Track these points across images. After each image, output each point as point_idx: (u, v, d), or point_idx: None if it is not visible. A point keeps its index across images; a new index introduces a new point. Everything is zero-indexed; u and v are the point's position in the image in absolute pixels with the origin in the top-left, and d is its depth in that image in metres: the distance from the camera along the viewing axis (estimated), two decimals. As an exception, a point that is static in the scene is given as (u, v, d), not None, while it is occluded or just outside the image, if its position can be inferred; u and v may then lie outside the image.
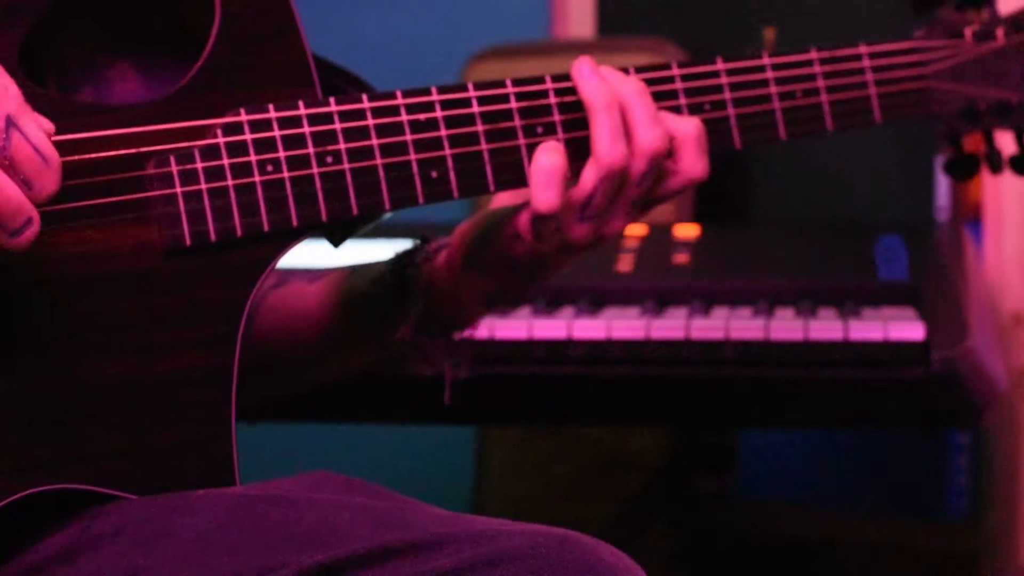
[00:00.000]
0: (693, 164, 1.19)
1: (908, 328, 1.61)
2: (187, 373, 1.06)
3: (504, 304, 1.27)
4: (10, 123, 0.94)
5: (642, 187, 1.17)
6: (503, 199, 1.25)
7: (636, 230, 1.91)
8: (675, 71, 1.23)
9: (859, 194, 2.31)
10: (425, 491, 1.12)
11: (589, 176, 1.16)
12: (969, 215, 2.17)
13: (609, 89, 1.17)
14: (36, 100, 1.00)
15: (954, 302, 1.70)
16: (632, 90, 1.17)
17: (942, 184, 2.18)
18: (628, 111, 1.17)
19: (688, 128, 1.18)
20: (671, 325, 1.66)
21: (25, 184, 0.94)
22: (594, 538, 0.99)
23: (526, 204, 1.18)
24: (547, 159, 1.15)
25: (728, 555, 2.45)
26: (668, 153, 1.17)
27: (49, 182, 0.95)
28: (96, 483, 1.03)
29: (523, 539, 0.96)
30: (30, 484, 1.01)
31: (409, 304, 1.26)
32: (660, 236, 1.91)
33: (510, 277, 1.23)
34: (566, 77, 1.19)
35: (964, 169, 1.41)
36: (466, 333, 1.30)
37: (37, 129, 0.95)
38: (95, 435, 1.03)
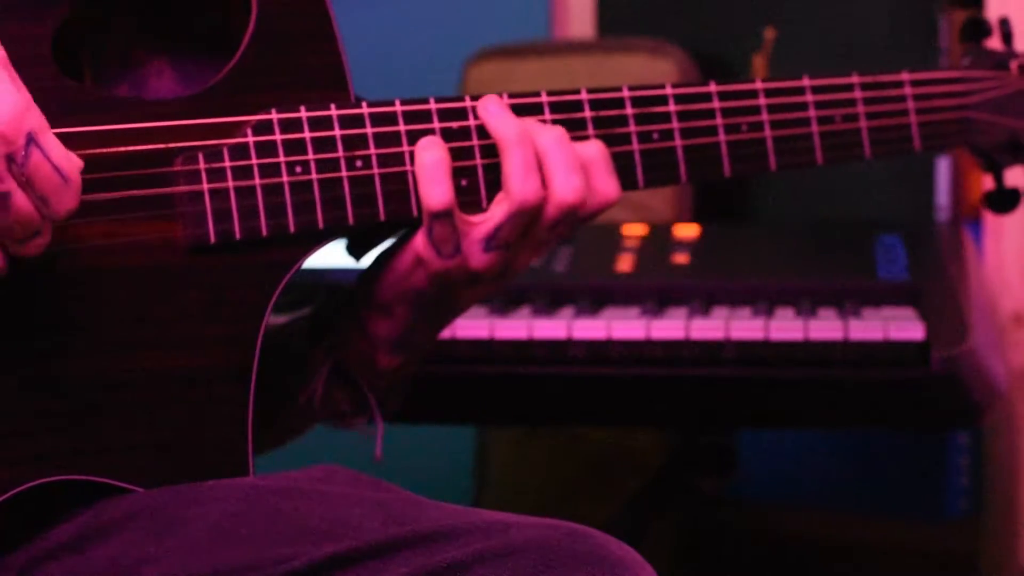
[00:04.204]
0: (606, 185, 1.16)
1: (908, 328, 1.61)
2: (205, 370, 1.05)
3: (411, 352, 1.22)
4: (31, 140, 0.92)
5: (554, 232, 1.15)
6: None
7: (636, 230, 1.91)
8: (712, 88, 1.21)
9: (859, 194, 2.30)
10: (425, 490, 1.11)
11: (499, 209, 1.13)
12: (969, 215, 2.17)
13: (518, 124, 1.13)
14: (65, 92, 1.00)
15: (954, 302, 1.70)
16: (551, 138, 1.14)
17: (942, 184, 2.18)
18: (545, 157, 1.13)
19: (593, 151, 1.16)
20: (671, 325, 1.65)
21: (42, 201, 0.93)
22: (602, 532, 0.99)
23: (417, 230, 1.14)
24: (429, 155, 1.11)
25: (728, 555, 2.44)
26: (581, 204, 1.14)
27: (68, 200, 0.94)
28: (109, 475, 1.03)
29: (533, 532, 0.96)
30: (43, 474, 1.00)
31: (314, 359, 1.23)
32: (660, 236, 1.90)
33: (415, 314, 1.18)
34: (601, 89, 1.18)
35: (1005, 203, 1.41)
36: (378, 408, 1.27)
37: (59, 146, 0.94)
38: (111, 428, 1.03)
